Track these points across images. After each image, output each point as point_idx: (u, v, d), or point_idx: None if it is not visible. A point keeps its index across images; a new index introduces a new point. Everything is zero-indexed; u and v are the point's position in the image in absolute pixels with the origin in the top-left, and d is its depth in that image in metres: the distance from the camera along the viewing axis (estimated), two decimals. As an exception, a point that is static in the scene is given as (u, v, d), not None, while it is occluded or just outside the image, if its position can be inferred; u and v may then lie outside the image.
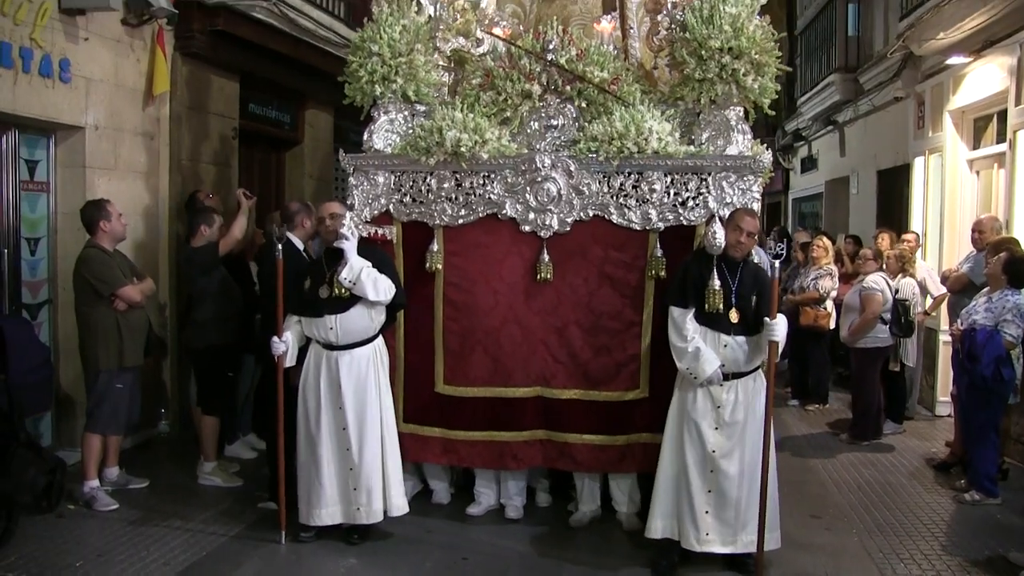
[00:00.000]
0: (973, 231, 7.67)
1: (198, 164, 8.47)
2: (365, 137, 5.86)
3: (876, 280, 7.98)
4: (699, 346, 5.02)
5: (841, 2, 12.27)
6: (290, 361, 5.52)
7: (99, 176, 7.18)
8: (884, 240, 8.84)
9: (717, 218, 5.24)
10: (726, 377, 5.04)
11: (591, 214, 5.62)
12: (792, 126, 15.82)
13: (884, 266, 8.20)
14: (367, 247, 5.48)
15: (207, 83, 8.53)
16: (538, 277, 5.66)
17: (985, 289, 6.55)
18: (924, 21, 8.74)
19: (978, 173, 9.28)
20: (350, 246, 5.33)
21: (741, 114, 5.53)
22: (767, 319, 4.90)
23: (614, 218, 5.58)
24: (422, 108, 5.88)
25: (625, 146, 5.35)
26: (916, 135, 10.30)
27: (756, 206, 5.44)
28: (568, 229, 5.65)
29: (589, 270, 5.70)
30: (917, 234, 9.29)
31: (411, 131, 5.80)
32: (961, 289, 7.41)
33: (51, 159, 6.95)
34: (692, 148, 5.52)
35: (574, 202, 5.60)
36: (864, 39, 12.02)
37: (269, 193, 10.12)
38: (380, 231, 5.77)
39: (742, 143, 5.48)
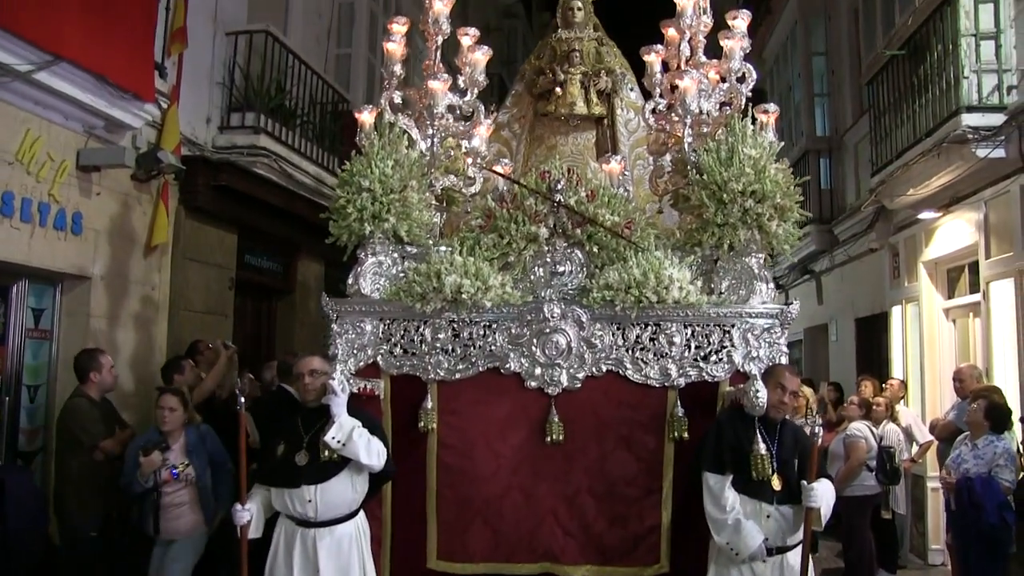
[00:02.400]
0: (954, 380, 7.34)
1: (196, 313, 8.06)
2: (350, 280, 5.04)
3: (859, 427, 7.62)
4: (740, 518, 4.22)
5: (813, 156, 12.25)
6: (255, 532, 4.50)
7: (102, 325, 6.91)
8: (867, 387, 8.39)
9: (758, 376, 4.50)
10: (770, 552, 4.26)
11: (604, 369, 4.80)
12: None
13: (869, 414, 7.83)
14: (352, 407, 4.52)
15: (208, 235, 8.28)
16: (548, 439, 4.77)
17: (963, 435, 6.30)
18: (894, 178, 8.58)
19: (954, 322, 8.90)
20: (339, 402, 4.39)
21: (763, 261, 4.91)
22: (804, 482, 4.21)
23: (630, 373, 4.77)
24: (413, 250, 5.08)
25: (644, 295, 4.62)
26: (892, 285, 10.01)
27: (784, 359, 4.76)
28: (579, 385, 4.80)
29: (602, 431, 4.83)
30: (902, 380, 8.90)
31: (401, 274, 5.00)
32: (949, 437, 7.02)
33: (56, 308, 6.75)
34: (714, 298, 4.80)
35: (585, 356, 4.79)
36: (837, 192, 12.01)
37: (261, 341, 9.68)
38: (367, 385, 4.85)
39: (765, 292, 4.82)
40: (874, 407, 8.00)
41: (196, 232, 8.14)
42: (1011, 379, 7.30)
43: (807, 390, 9.26)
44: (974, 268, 8.27)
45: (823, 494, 4.26)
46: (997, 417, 6.15)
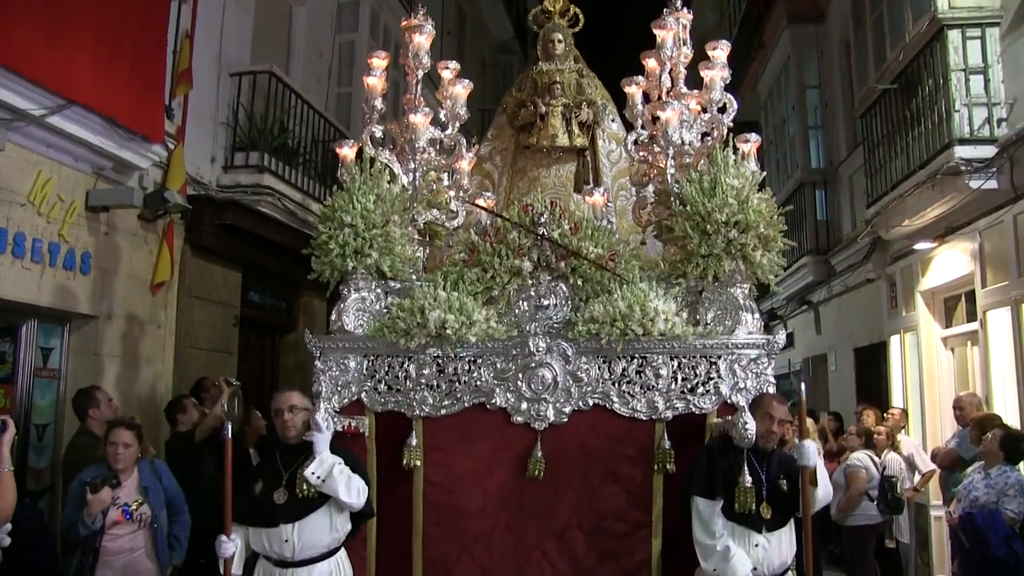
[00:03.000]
0: (954, 408, 7.26)
1: (201, 351, 8.00)
2: (333, 317, 4.94)
3: (860, 457, 7.52)
4: (729, 544, 4.09)
5: (808, 188, 12.15)
6: (236, 568, 4.30)
7: (109, 363, 6.84)
8: (869, 417, 8.32)
9: (745, 408, 4.39)
10: None
11: (591, 403, 4.67)
12: (767, 306, 15.06)
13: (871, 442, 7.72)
14: (335, 444, 4.40)
15: (213, 273, 8.24)
16: (527, 473, 4.67)
17: (976, 464, 6.15)
18: (890, 209, 8.54)
19: (953, 350, 8.80)
20: (322, 439, 4.28)
21: (748, 292, 4.79)
22: (795, 440, 4.17)
23: (616, 407, 4.65)
24: (396, 285, 4.95)
25: (629, 328, 4.50)
26: (890, 314, 9.92)
27: (772, 389, 4.63)
28: (565, 420, 4.67)
29: (590, 466, 4.68)
30: (903, 409, 8.78)
31: (385, 310, 4.88)
32: (951, 465, 6.98)
33: (65, 346, 6.68)
34: (700, 329, 4.67)
35: (571, 390, 4.67)
36: (833, 223, 11.91)
37: (264, 378, 9.57)
38: (351, 422, 4.72)
39: (751, 323, 4.70)
40: (875, 436, 7.94)
41: (201, 270, 8.11)
42: (1011, 407, 7.22)
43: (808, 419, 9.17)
44: (971, 297, 8.20)
45: (812, 452, 4.23)
46: (1012, 447, 5.97)
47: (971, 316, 8.28)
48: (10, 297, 5.96)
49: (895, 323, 9.86)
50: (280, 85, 8.72)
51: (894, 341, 9.92)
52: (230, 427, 4.46)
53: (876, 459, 7.69)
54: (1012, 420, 6.85)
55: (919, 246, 8.87)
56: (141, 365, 7.36)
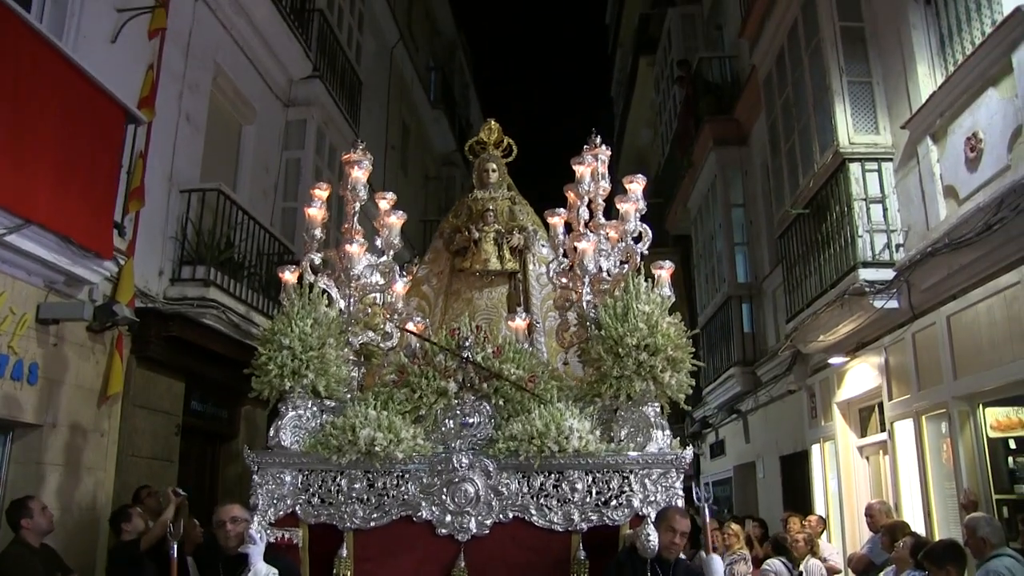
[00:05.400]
0: (865, 515, 7.52)
1: (142, 459, 8.00)
2: (271, 433, 5.17)
3: (772, 563, 7.62)
4: None
5: (736, 301, 12.59)
6: None
7: (51, 471, 6.82)
8: (795, 524, 8.35)
9: (649, 520, 4.65)
10: None
11: (511, 515, 4.93)
12: (700, 414, 15.69)
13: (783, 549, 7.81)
14: (272, 554, 4.61)
15: (158, 384, 8.31)
16: None
17: (889, 569, 6.39)
18: (806, 325, 8.98)
19: (868, 459, 9.19)
20: (256, 551, 4.51)
21: (659, 410, 5.07)
22: (702, 553, 4.42)
23: (535, 519, 4.90)
24: (332, 404, 5.23)
25: (546, 445, 4.79)
26: (811, 424, 10.29)
27: (680, 502, 4.89)
28: (487, 532, 4.91)
29: (511, 575, 4.91)
30: (821, 516, 9.04)
31: (320, 427, 5.15)
32: (864, 570, 7.18)
33: (6, 455, 6.65)
34: (613, 446, 4.95)
35: (493, 503, 4.93)
36: (758, 335, 12.29)
37: (204, 486, 9.51)
38: (285, 534, 4.94)
39: (662, 439, 4.99)
40: (793, 543, 8.23)
41: (146, 380, 8.17)
42: (917, 513, 7.57)
43: (735, 526, 9.45)
44: (882, 408, 8.59)
45: (718, 566, 4.51)
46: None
47: (883, 426, 8.64)
48: (-44, 407, 5.88)
49: (815, 432, 10.21)
50: (227, 202, 8.97)
51: (815, 450, 10.25)
52: (176, 546, 4.67)
53: (789, 565, 7.92)
54: (918, 526, 7.19)
55: (833, 360, 9.29)
56: (83, 473, 7.36)
